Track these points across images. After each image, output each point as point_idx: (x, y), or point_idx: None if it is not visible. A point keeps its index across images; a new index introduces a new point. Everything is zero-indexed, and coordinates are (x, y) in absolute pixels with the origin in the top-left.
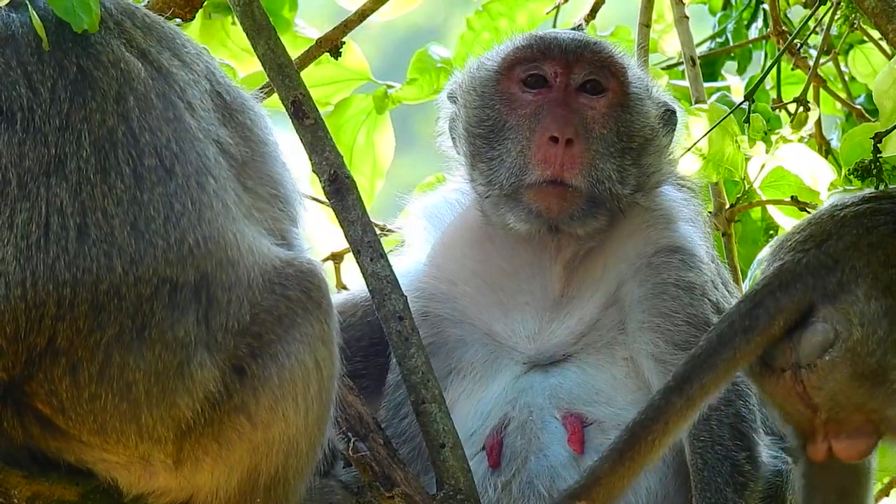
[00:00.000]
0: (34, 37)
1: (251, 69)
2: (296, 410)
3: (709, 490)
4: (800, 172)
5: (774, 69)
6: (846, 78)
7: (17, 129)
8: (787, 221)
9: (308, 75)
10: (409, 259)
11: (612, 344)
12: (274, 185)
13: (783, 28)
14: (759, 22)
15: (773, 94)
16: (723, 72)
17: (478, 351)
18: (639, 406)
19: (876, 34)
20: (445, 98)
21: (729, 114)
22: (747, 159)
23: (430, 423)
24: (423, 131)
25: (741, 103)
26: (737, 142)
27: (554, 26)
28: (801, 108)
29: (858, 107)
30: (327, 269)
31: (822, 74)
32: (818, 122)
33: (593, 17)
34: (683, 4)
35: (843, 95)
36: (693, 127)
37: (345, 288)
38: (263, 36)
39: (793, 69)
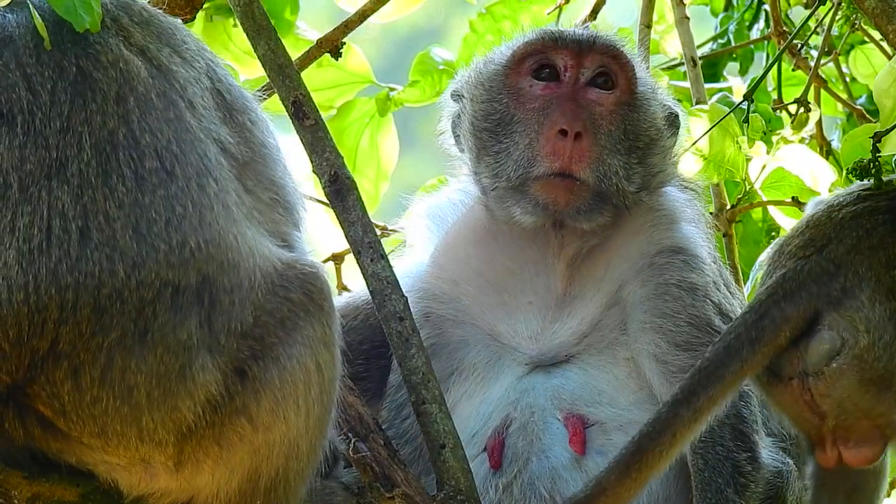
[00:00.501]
0: (32, 37)
1: (253, 72)
2: (297, 413)
3: (709, 490)
4: (801, 173)
5: (775, 70)
6: (847, 79)
7: (17, 132)
8: (788, 222)
9: (311, 78)
10: (411, 259)
11: (613, 344)
12: (275, 187)
13: (784, 29)
14: (761, 23)
15: (775, 95)
16: (725, 73)
17: (480, 352)
18: (641, 406)
19: (877, 35)
20: (448, 97)
21: (728, 113)
22: (748, 160)
23: (431, 423)
24: (424, 133)
25: (740, 103)
26: (738, 142)
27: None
28: (801, 109)
29: (859, 107)
30: (328, 270)
31: (822, 75)
32: (819, 123)
33: (594, 18)
34: (684, 5)
35: (843, 96)
36: (694, 128)
37: (346, 289)
38: (264, 36)
39: (793, 70)
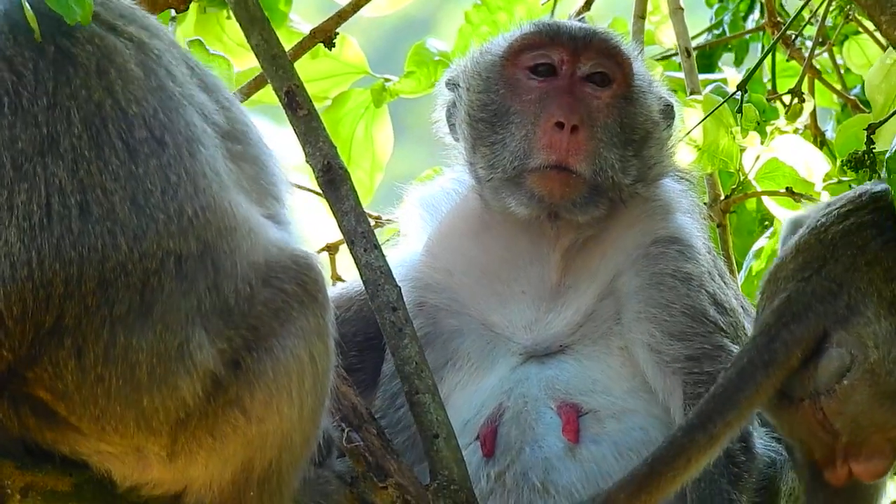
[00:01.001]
0: (5, 22)
1: (246, 63)
2: (290, 405)
3: (703, 481)
4: (795, 164)
5: (769, 60)
6: (841, 69)
7: (5, 113)
8: (782, 212)
9: (305, 70)
10: (405, 249)
11: (607, 334)
12: (257, 162)
13: (778, 19)
14: (756, 13)
15: (769, 86)
16: (719, 63)
17: (474, 341)
18: (635, 395)
19: (871, 25)
20: (444, 85)
21: (722, 104)
22: (742, 150)
23: (424, 413)
24: (419, 124)
25: (734, 93)
26: (732, 133)
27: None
28: (796, 100)
29: (853, 98)
30: (322, 261)
31: (817, 65)
32: (813, 114)
33: (588, 9)
34: None
35: (838, 87)
36: (688, 118)
37: (340, 279)
38: (257, 27)
39: (788, 60)
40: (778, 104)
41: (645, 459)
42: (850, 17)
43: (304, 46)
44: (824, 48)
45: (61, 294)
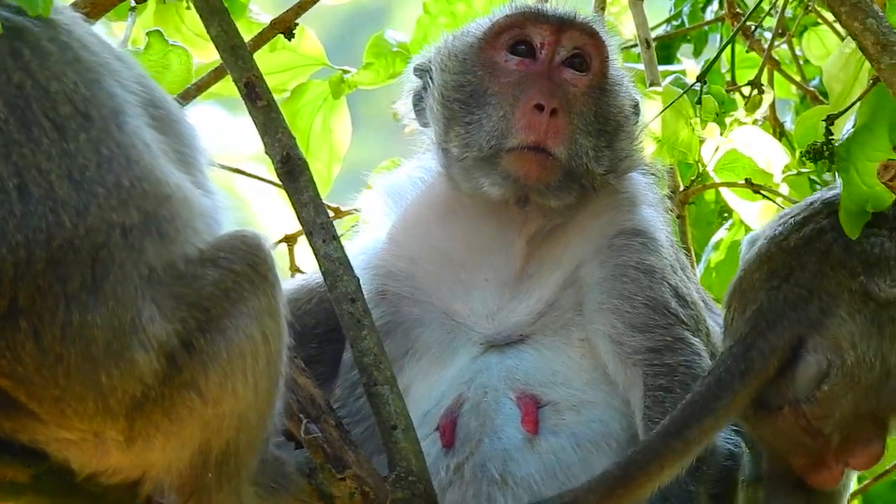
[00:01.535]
0: None
1: (205, 55)
2: (245, 385)
3: None
4: (754, 155)
5: (729, 51)
6: (800, 60)
7: None
8: (741, 204)
9: (264, 61)
10: (368, 237)
11: (569, 325)
12: (177, 130)
13: (738, 10)
14: (715, 4)
15: (728, 77)
16: (679, 55)
17: (435, 331)
18: (595, 387)
19: (830, 16)
20: (411, 72)
21: (681, 95)
22: (701, 142)
23: (383, 404)
24: (377, 115)
25: (693, 85)
26: (691, 124)
27: None
28: (755, 91)
29: (813, 89)
30: (281, 252)
31: (776, 57)
32: (772, 105)
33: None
34: None
35: (797, 78)
36: (647, 109)
37: (299, 270)
38: (217, 18)
39: (747, 52)
40: (737, 95)
41: (617, 462)
42: (810, 8)
43: (263, 37)
44: (784, 39)
45: (12, 278)
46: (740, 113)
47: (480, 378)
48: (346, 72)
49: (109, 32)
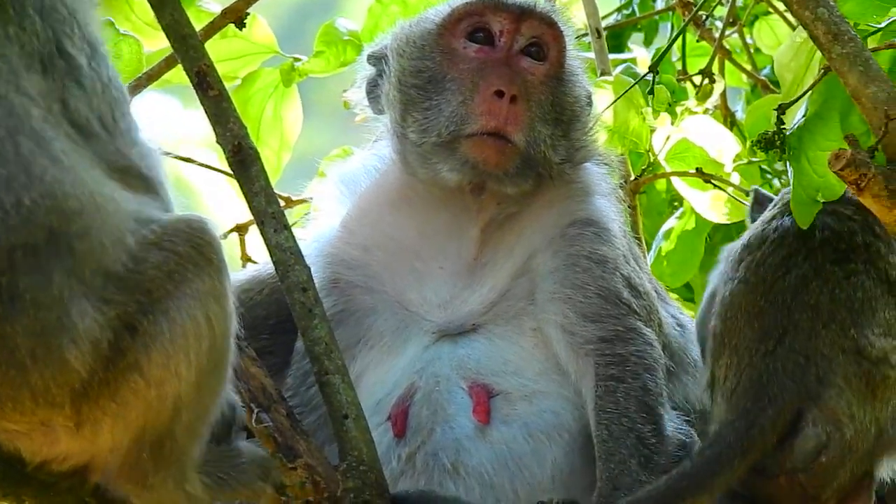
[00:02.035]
0: None
1: (156, 43)
2: (188, 367)
3: (612, 462)
4: (705, 144)
5: (680, 41)
6: (751, 49)
7: None
8: (692, 193)
9: (215, 49)
10: (321, 225)
11: (521, 314)
12: (119, 129)
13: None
14: None
15: (679, 66)
16: (629, 44)
17: (388, 320)
18: (546, 377)
19: (781, 5)
20: (365, 60)
21: (633, 85)
22: (652, 131)
23: (334, 394)
24: (327, 103)
25: (645, 74)
26: (642, 113)
27: None
28: (706, 80)
29: (763, 78)
30: (232, 242)
31: (727, 46)
32: (723, 94)
33: None
34: None
35: (748, 67)
36: (598, 99)
37: (250, 260)
38: (168, 6)
39: (698, 41)
40: (688, 85)
41: None
42: None
43: (214, 26)
44: (734, 28)
45: None
46: (691, 102)
47: (432, 367)
48: (297, 60)
49: None
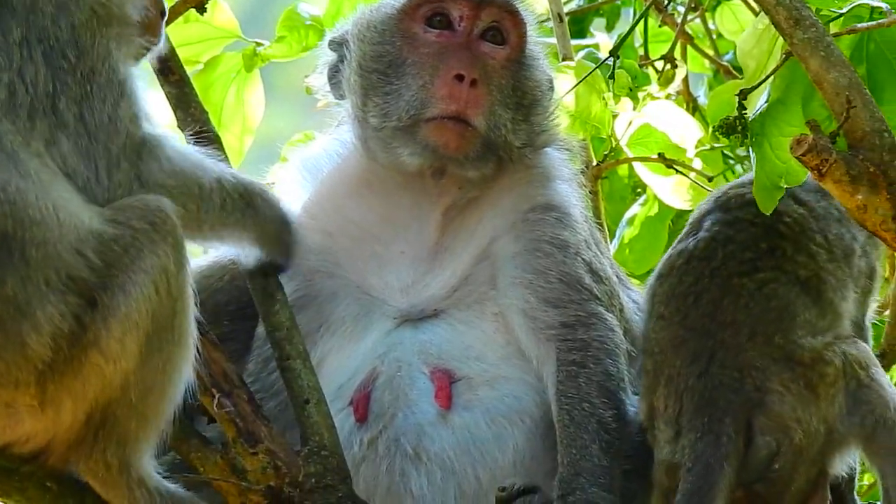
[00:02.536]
0: None
1: None
2: (140, 343)
3: (574, 447)
4: (667, 130)
5: (641, 26)
6: (713, 35)
7: None
8: (654, 179)
9: (177, 34)
10: None
11: (482, 299)
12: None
13: None
14: None
15: (641, 52)
16: (591, 29)
17: (350, 305)
18: (508, 362)
19: None
20: (325, 46)
21: (594, 69)
22: (614, 116)
23: (295, 379)
24: (289, 88)
25: (606, 59)
26: (604, 99)
27: None
28: (668, 66)
29: (726, 64)
30: None
31: (689, 31)
32: (685, 80)
33: None
34: None
35: (710, 52)
36: (560, 84)
37: None
38: None
39: (660, 26)
40: (650, 70)
41: None
42: None
43: (176, 11)
44: (697, 14)
45: None
46: (653, 87)
47: (394, 352)
48: (259, 45)
49: None
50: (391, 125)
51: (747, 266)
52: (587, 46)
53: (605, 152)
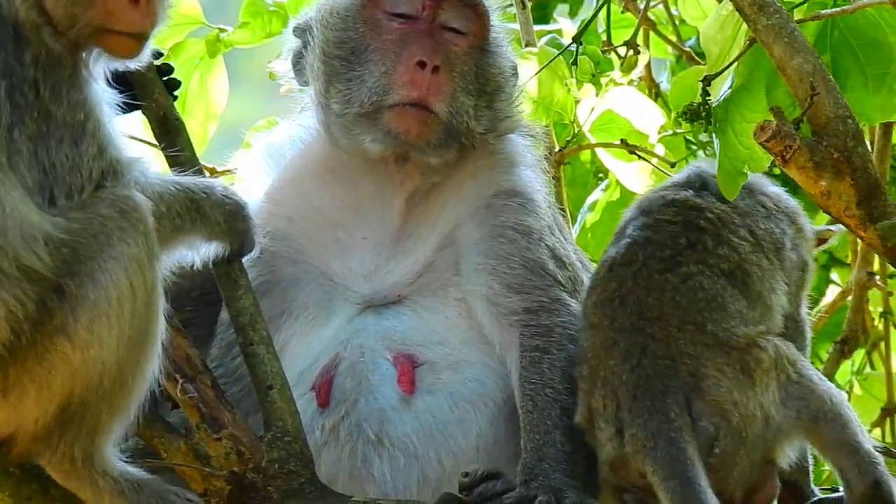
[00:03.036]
0: None
1: None
2: (111, 332)
3: (537, 432)
4: (629, 115)
5: (604, 12)
6: (676, 21)
7: None
8: (617, 165)
9: None
10: (246, 196)
11: (446, 285)
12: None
13: None
14: None
15: (604, 37)
16: (554, 14)
17: (313, 291)
18: (471, 346)
19: None
20: (290, 32)
21: (557, 55)
22: (577, 102)
23: (258, 364)
24: (253, 74)
25: (569, 45)
26: (566, 85)
27: None
28: (630, 51)
29: (689, 50)
30: None
31: (652, 17)
32: (648, 66)
33: None
34: None
35: (673, 38)
36: (523, 70)
37: None
38: None
39: (623, 12)
40: (613, 56)
41: None
42: None
43: None
44: (659, 0)
45: None
46: (616, 73)
47: (357, 338)
48: (222, 31)
49: None
50: (353, 111)
51: (669, 262)
52: (550, 32)
53: (568, 138)
